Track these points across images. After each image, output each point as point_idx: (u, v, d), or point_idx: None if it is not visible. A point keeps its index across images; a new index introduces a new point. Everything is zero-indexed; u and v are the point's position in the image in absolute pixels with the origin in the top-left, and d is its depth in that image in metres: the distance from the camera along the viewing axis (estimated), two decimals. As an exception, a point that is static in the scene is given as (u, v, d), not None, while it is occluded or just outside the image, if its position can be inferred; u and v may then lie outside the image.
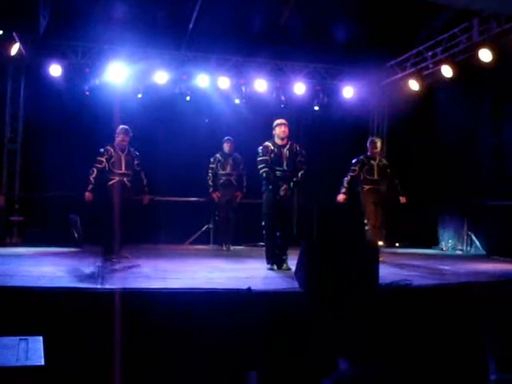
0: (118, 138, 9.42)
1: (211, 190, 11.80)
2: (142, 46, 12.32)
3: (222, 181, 11.80)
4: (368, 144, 10.38)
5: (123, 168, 9.35)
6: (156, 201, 11.92)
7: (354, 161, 10.33)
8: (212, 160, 11.87)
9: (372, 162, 10.26)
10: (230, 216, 11.73)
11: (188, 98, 13.32)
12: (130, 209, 9.35)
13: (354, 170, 10.24)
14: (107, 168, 9.29)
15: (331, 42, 12.11)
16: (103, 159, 9.28)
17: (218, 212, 12.04)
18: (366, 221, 10.20)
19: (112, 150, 9.34)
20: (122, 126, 9.49)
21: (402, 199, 10.44)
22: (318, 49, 12.27)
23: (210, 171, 11.83)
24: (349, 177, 10.26)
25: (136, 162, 9.56)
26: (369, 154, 10.31)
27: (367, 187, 10.21)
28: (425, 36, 12.29)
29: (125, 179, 9.37)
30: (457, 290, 6.05)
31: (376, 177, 10.23)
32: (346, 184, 10.24)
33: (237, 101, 13.61)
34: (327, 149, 12.48)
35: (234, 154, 11.89)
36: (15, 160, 12.58)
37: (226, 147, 11.86)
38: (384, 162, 10.50)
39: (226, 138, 11.96)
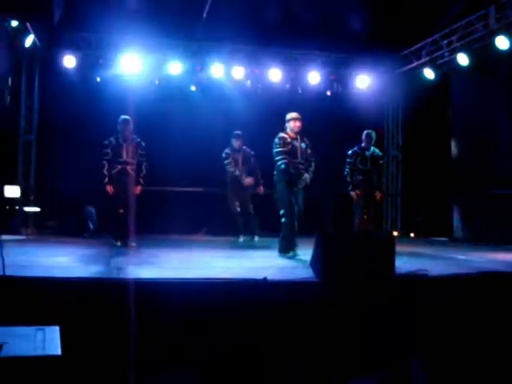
0: (120, 129, 9.65)
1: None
2: (155, 36, 12.32)
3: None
4: (364, 136, 10.71)
5: (124, 156, 9.58)
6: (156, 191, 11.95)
7: (349, 152, 10.74)
8: (224, 156, 11.40)
9: (366, 152, 10.67)
10: (249, 209, 11.57)
11: (193, 88, 13.39)
12: (133, 197, 9.56)
13: (350, 163, 10.67)
14: (112, 158, 9.58)
15: (345, 31, 12.03)
16: (108, 150, 9.58)
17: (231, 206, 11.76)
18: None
19: (114, 141, 9.62)
20: (122, 117, 9.71)
21: (378, 194, 10.83)
22: (332, 38, 12.21)
23: (228, 167, 11.40)
24: (349, 170, 10.66)
25: (140, 152, 9.75)
26: (363, 145, 10.71)
27: (360, 177, 10.62)
28: (440, 24, 12.17)
29: (127, 167, 9.60)
30: (474, 279, 6.00)
31: (369, 166, 10.65)
32: (349, 179, 10.66)
33: (258, 91, 13.65)
34: (342, 138, 12.45)
35: (243, 149, 11.65)
36: (30, 151, 12.67)
37: (236, 143, 11.46)
38: (377, 152, 10.85)
39: (236, 133, 11.48)
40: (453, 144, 13.57)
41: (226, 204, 11.62)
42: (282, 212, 8.33)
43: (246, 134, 11.93)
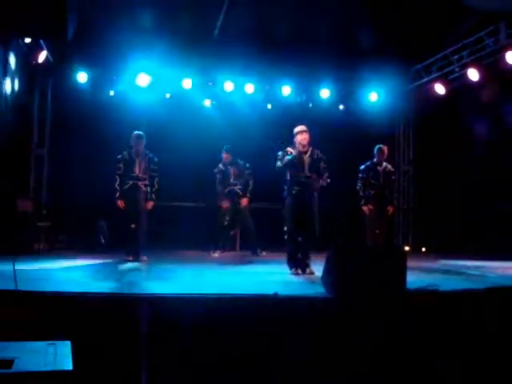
0: (132, 144, 9.70)
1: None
2: (167, 53, 12.39)
3: (226, 190, 11.78)
4: (376, 151, 10.75)
5: (136, 171, 9.62)
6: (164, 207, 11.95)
7: (361, 167, 10.79)
8: (216, 171, 11.84)
9: (378, 167, 10.71)
10: (247, 223, 11.67)
11: (207, 103, 13.47)
12: (145, 212, 9.63)
13: (362, 178, 10.71)
14: (124, 172, 9.62)
15: (356, 47, 12.08)
16: (121, 165, 9.64)
17: (219, 219, 11.93)
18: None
19: (127, 155, 9.67)
20: (135, 132, 9.78)
21: (390, 208, 10.84)
22: (343, 53, 12.26)
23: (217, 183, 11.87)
24: (361, 185, 10.70)
25: (152, 167, 9.78)
26: (375, 160, 10.74)
27: (373, 192, 10.66)
28: (451, 40, 12.18)
29: (139, 183, 9.64)
30: (484, 294, 5.97)
31: (381, 181, 10.67)
32: (361, 194, 10.70)
33: (269, 106, 13.73)
34: (353, 153, 12.46)
35: (235, 162, 11.81)
36: (42, 165, 12.69)
37: (223, 156, 11.79)
38: (389, 168, 10.87)
39: (224, 147, 11.82)
40: (464, 154, 13.53)
41: (215, 215, 11.96)
42: (285, 228, 8.39)
43: (258, 148, 12.03)
